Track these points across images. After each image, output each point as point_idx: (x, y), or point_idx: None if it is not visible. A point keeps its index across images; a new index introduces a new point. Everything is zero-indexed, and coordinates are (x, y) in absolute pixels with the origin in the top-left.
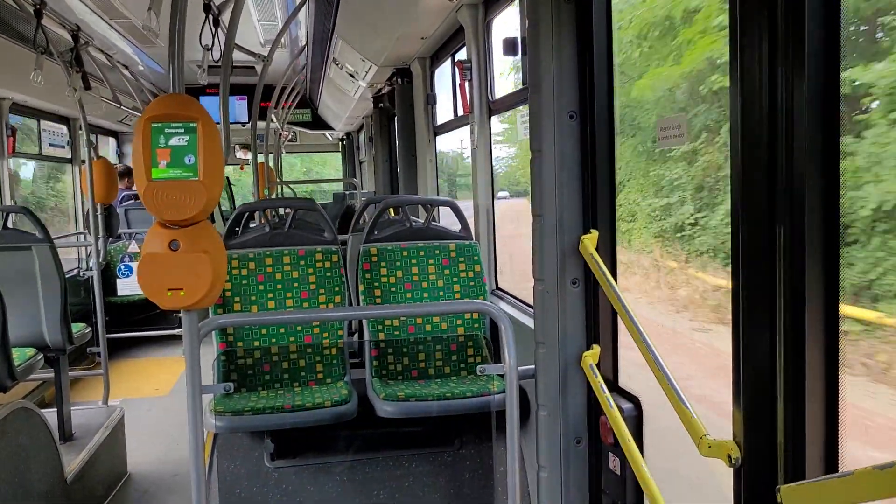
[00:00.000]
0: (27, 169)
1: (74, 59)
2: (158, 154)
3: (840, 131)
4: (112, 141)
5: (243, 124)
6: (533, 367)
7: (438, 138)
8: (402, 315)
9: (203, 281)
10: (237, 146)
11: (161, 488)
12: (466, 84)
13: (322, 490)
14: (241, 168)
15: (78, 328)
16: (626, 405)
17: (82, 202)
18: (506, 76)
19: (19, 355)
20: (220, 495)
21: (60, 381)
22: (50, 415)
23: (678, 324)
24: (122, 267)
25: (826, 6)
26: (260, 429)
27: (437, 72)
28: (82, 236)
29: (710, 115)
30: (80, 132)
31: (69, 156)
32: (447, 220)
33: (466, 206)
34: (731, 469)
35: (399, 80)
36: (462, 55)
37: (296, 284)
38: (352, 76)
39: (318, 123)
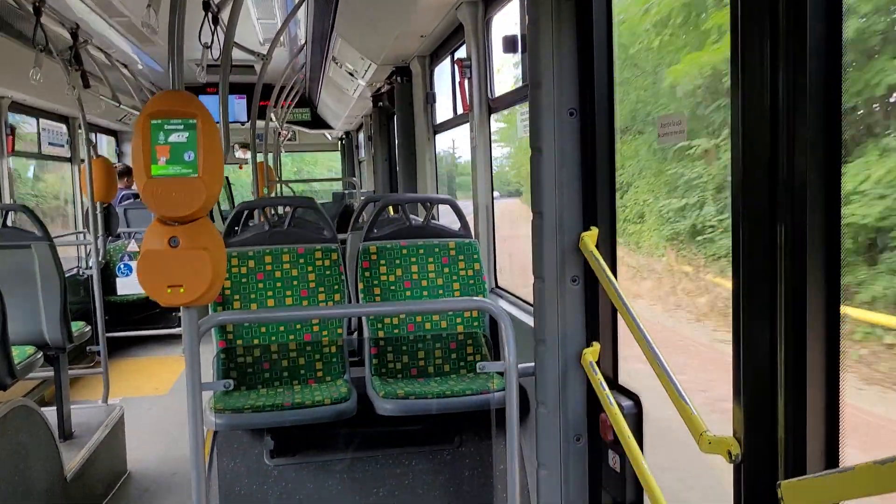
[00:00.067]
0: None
1: (73, 58)
2: (158, 151)
3: (842, 128)
4: (105, 140)
5: (242, 123)
6: (532, 364)
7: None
8: (402, 312)
9: (203, 278)
10: (236, 145)
11: (161, 486)
12: (466, 82)
13: (322, 488)
14: (240, 167)
15: (77, 326)
16: (626, 402)
17: (81, 201)
18: (502, 72)
19: (19, 353)
20: (219, 493)
21: (60, 380)
22: (50, 413)
23: (701, 334)
24: (122, 266)
25: (828, 2)
26: (260, 426)
27: (437, 70)
28: (82, 235)
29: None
30: (80, 131)
31: (68, 154)
32: (447, 218)
33: (463, 206)
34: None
35: (398, 78)
36: (462, 53)
37: (295, 283)
38: (351, 75)
39: (318, 122)
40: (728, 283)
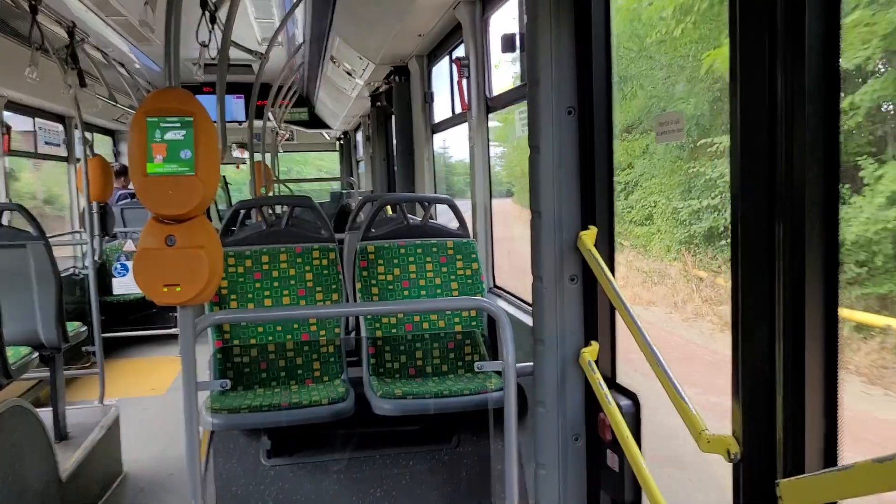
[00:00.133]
0: None
1: (70, 56)
2: (154, 149)
3: (840, 126)
4: (98, 139)
5: (240, 123)
6: (531, 364)
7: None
8: (400, 312)
9: (199, 277)
10: (234, 145)
11: (157, 487)
12: (464, 81)
13: (319, 488)
14: (238, 167)
15: (73, 327)
16: (625, 402)
17: (77, 200)
18: (498, 68)
19: (14, 354)
20: (216, 493)
21: (56, 380)
22: (45, 414)
23: (724, 346)
24: (118, 266)
25: (827, 2)
26: (256, 426)
27: (435, 69)
28: (78, 235)
29: None
30: (76, 130)
31: (65, 153)
32: (444, 217)
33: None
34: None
35: (396, 77)
36: (460, 52)
37: (292, 282)
38: (349, 74)
39: (316, 122)
40: None
